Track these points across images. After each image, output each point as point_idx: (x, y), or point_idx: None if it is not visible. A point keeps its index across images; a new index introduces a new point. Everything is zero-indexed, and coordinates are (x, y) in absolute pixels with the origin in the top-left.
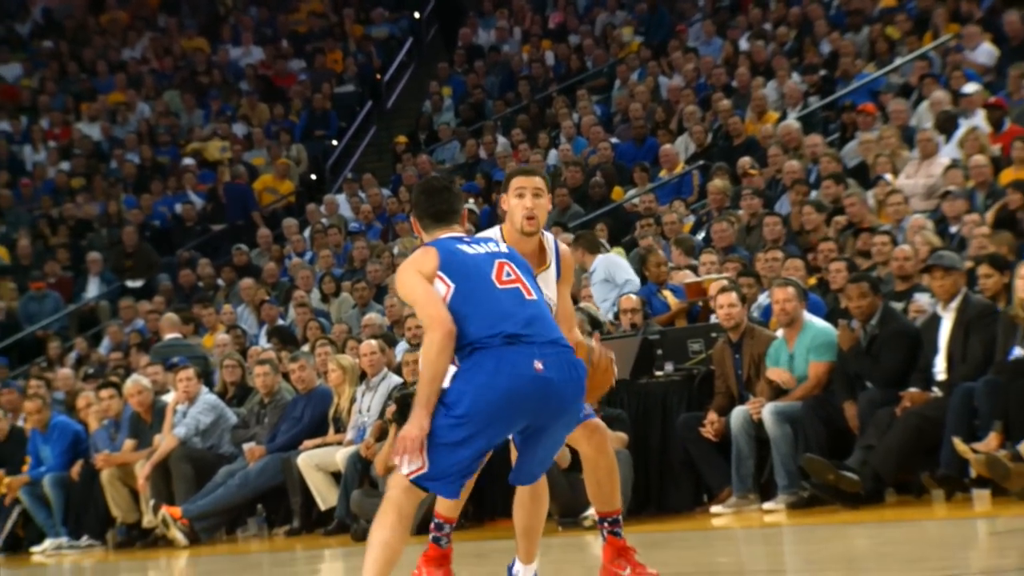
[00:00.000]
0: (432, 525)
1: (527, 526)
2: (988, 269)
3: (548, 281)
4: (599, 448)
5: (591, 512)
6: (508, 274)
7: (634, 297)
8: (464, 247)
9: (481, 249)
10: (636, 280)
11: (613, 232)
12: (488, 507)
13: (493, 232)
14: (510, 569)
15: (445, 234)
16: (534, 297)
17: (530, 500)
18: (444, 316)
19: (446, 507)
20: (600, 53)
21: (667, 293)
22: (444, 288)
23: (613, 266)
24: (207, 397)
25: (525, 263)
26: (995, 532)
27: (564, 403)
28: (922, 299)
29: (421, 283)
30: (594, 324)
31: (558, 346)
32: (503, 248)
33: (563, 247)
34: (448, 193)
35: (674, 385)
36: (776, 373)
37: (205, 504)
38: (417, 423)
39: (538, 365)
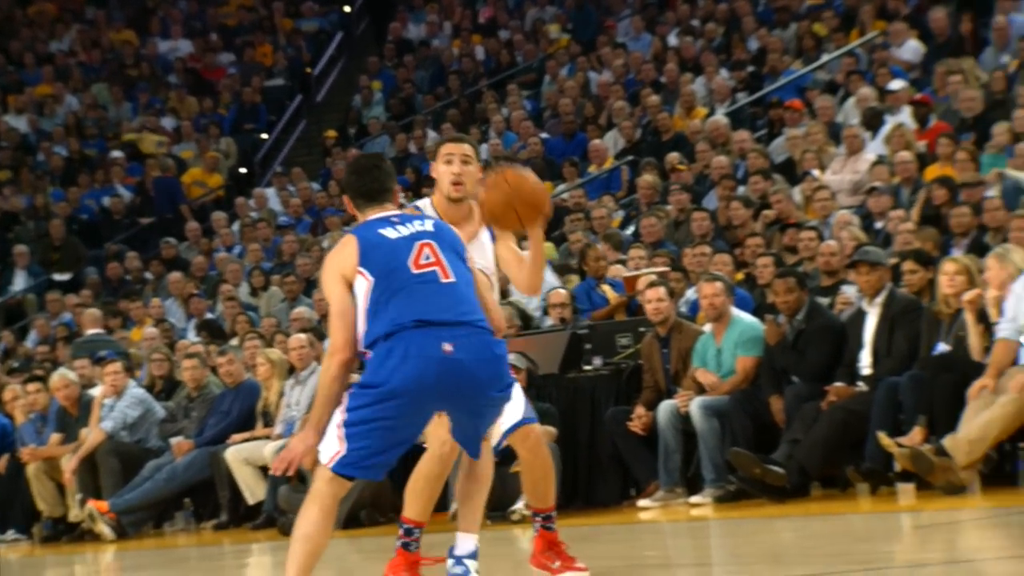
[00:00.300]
0: (401, 531)
1: (465, 491)
2: (913, 265)
3: (482, 248)
4: (534, 450)
5: (519, 506)
6: (427, 256)
7: (563, 291)
8: (387, 231)
9: (405, 231)
10: (549, 280)
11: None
12: None
13: (424, 203)
14: (451, 550)
15: (376, 214)
16: (451, 279)
17: (469, 465)
18: (344, 343)
19: (415, 511)
20: (530, 48)
21: (606, 287)
22: (365, 283)
23: None
24: (134, 391)
25: (452, 238)
26: (919, 526)
27: (478, 384)
28: (849, 291)
29: (338, 296)
30: (523, 318)
31: (472, 327)
32: (428, 226)
33: None
34: (378, 171)
35: (602, 379)
36: (703, 375)
37: (132, 498)
38: (304, 440)
39: (447, 347)
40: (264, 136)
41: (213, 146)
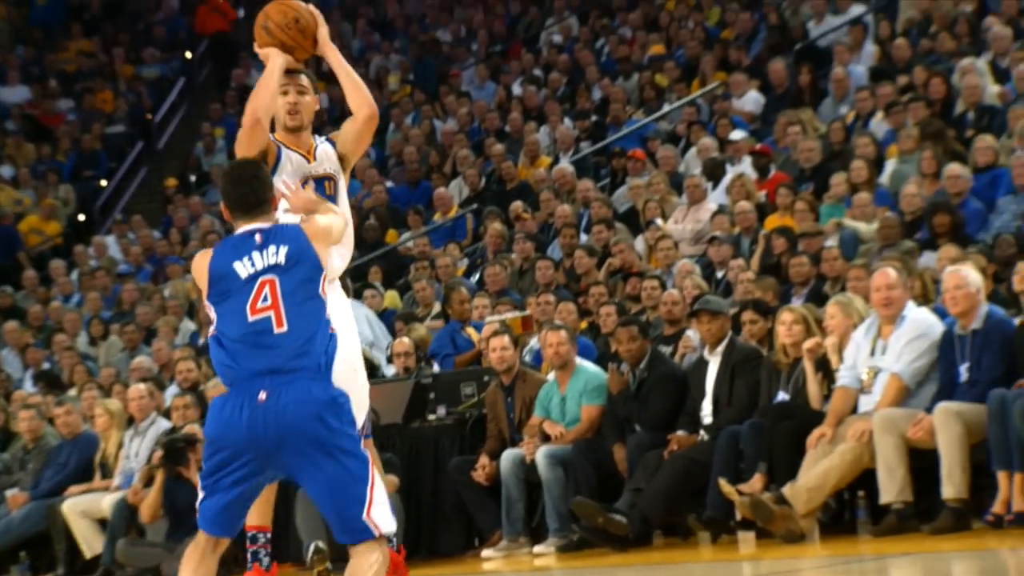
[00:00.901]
0: (247, 541)
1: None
2: (752, 315)
3: (327, 155)
4: None
5: None
6: (265, 299)
7: (407, 340)
8: (240, 264)
9: (258, 262)
10: (365, 333)
11: (388, 275)
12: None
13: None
14: None
15: (248, 225)
16: (283, 328)
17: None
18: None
19: (256, 516)
20: (374, 96)
21: (470, 330)
22: (213, 314)
23: None
24: None
25: (301, 268)
26: (759, 574)
27: (294, 426)
28: (694, 337)
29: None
30: (368, 367)
31: (294, 373)
32: (281, 257)
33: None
34: (256, 182)
35: (446, 429)
36: (550, 427)
37: None
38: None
39: (262, 396)
40: (104, 183)
41: (52, 193)
